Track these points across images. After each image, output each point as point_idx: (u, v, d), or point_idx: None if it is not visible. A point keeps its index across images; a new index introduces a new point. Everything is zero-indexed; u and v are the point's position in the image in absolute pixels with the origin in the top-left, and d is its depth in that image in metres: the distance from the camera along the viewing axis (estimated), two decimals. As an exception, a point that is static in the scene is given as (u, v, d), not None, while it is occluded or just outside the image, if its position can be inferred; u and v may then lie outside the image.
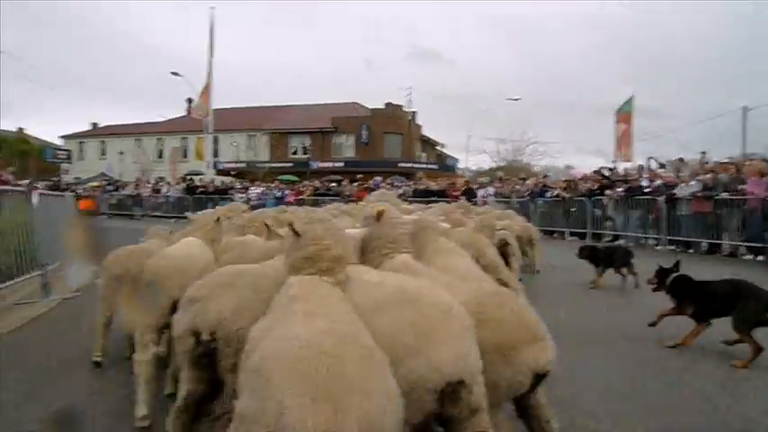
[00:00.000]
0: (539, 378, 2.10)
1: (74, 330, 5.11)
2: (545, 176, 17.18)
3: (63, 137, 49.92)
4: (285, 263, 2.29)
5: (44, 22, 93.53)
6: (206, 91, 26.79)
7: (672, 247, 12.16)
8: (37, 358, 4.45)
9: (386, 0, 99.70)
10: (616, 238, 13.96)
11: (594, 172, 16.81)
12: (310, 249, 2.17)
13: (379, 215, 2.93)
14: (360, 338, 1.61)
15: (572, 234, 15.55)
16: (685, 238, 12.09)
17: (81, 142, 49.51)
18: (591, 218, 14.89)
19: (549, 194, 16.62)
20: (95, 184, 28.80)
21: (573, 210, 15.65)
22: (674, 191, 12.43)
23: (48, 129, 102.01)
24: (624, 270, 7.48)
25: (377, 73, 79.66)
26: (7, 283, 6.29)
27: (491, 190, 18.17)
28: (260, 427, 1.32)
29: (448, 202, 18.47)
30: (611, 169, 17.53)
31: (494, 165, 44.21)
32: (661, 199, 12.52)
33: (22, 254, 6.68)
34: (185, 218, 4.95)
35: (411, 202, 10.90)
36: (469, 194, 18.43)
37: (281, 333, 1.59)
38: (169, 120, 48.36)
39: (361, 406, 1.34)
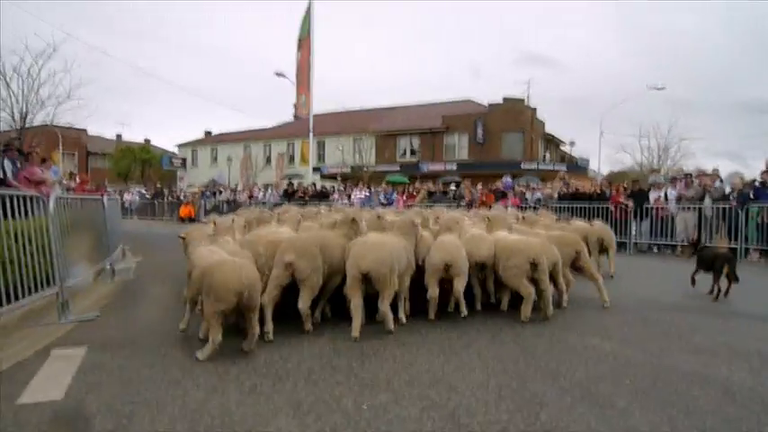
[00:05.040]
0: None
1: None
2: (766, 171, 11.78)
3: (178, 145, 51.24)
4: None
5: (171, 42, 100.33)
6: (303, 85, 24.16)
7: None
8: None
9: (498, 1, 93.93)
10: None
11: None
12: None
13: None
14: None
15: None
16: None
17: (194, 150, 50.38)
18: None
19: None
20: (195, 189, 27.51)
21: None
22: None
23: (171, 139, 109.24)
24: None
25: (488, 78, 74.48)
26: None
27: (672, 192, 13.12)
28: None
29: (609, 208, 13.94)
30: None
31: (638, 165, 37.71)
32: None
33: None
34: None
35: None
36: (639, 198, 13.60)
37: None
38: (276, 126, 47.68)
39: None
